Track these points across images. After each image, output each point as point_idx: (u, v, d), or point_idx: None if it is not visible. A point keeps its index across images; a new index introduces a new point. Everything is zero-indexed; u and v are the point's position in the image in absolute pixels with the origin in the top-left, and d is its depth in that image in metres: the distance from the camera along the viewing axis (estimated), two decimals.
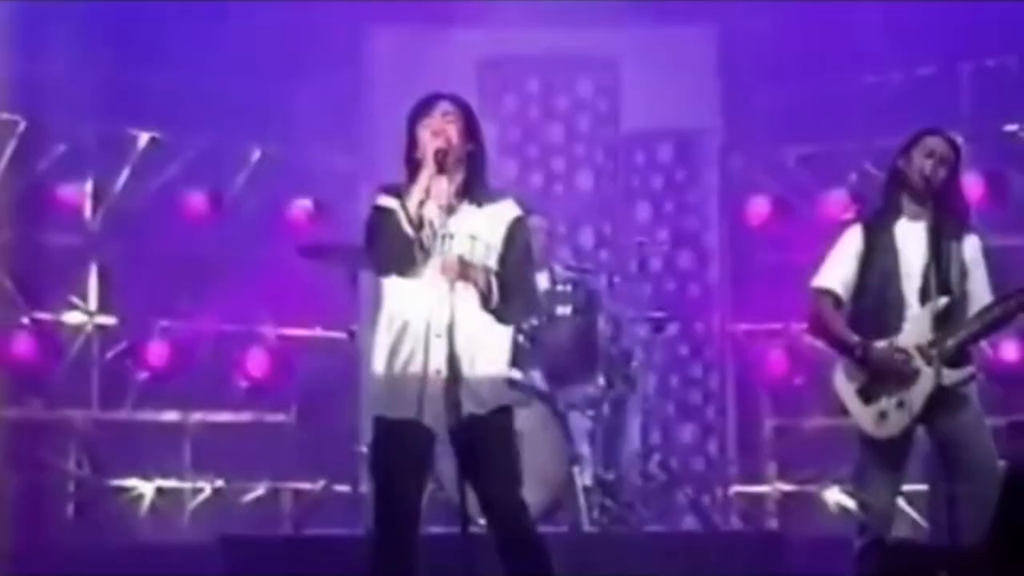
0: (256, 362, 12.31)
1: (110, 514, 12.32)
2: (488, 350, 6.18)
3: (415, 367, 6.08)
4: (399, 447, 6.17)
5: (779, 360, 12.12)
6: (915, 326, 6.85)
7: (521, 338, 8.24)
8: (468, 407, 6.08)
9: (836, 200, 11.86)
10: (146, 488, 12.39)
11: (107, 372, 12.37)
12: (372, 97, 12.52)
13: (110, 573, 10.74)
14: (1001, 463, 7.09)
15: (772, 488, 12.46)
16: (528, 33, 12.25)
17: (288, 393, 12.47)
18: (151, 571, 10.93)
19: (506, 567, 6.16)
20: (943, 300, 6.82)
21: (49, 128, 11.86)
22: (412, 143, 6.09)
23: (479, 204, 6.13)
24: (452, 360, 5.99)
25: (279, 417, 12.53)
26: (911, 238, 6.95)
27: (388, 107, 11.58)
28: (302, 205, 12.28)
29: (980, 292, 6.95)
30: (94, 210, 12.23)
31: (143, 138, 12.09)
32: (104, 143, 12.17)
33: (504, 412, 6.29)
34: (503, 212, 6.21)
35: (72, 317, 12.21)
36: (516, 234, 6.20)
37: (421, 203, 5.92)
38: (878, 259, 6.99)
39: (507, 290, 6.07)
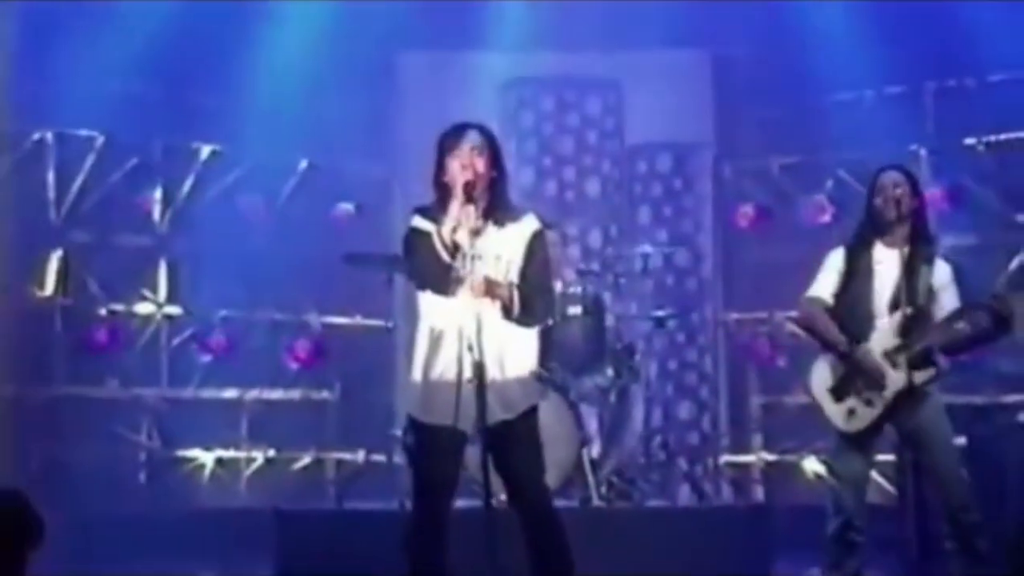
0: (303, 347, 12.93)
1: (176, 482, 12.90)
2: (516, 357, 6.38)
3: (449, 376, 6.24)
4: (435, 449, 6.37)
5: (764, 345, 12.75)
6: (881, 334, 7.06)
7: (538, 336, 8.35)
8: (498, 413, 6.26)
9: (814, 204, 12.40)
10: (207, 458, 12.99)
11: (174, 356, 12.93)
12: (404, 114, 13.08)
13: (176, 536, 11.50)
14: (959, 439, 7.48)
15: (758, 458, 13.05)
16: (543, 58, 12.77)
17: (331, 374, 12.98)
18: (212, 533, 11.59)
19: (528, 541, 6.39)
20: (908, 311, 7.01)
21: (123, 143, 12.39)
22: (441, 168, 6.29)
23: (502, 224, 6.32)
24: (482, 369, 6.13)
25: (324, 395, 13.07)
26: (885, 261, 7.17)
27: (418, 122, 12.47)
28: (343, 208, 12.87)
29: (946, 305, 7.13)
30: (162, 214, 12.77)
31: (205, 150, 12.65)
32: (171, 155, 12.73)
33: (531, 413, 6.47)
34: (523, 229, 6.41)
35: (144, 308, 12.79)
36: (535, 247, 6.39)
37: (454, 229, 6.11)
38: (857, 277, 7.21)
39: (527, 299, 6.28)
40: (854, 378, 7.08)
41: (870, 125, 12.22)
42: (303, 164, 12.99)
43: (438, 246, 6.09)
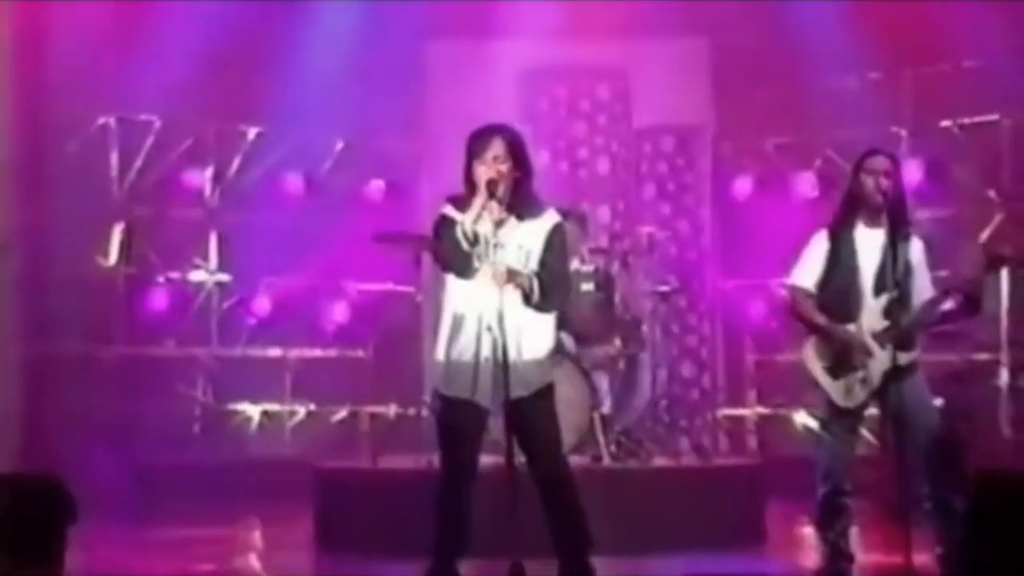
0: (340, 310, 13.49)
1: (227, 433, 13.38)
2: (533, 340, 6.52)
3: (468, 356, 6.45)
4: (458, 421, 6.54)
5: (759, 309, 13.25)
6: (869, 314, 7.07)
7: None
8: (516, 390, 6.37)
9: (805, 180, 12.90)
10: (254, 411, 13.57)
11: (224, 319, 13.49)
12: (432, 99, 13.53)
13: (226, 481, 12.00)
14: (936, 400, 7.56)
15: (752, 412, 13.64)
16: (557, 49, 13.03)
17: (366, 335, 13.51)
18: (258, 480, 12.12)
19: (546, 507, 6.51)
20: (893, 294, 6.96)
21: (178, 126, 12.97)
22: (469, 167, 6.46)
23: (523, 218, 6.49)
24: (502, 350, 6.28)
25: (359, 353, 13.61)
26: (867, 242, 7.13)
27: (445, 107, 13.11)
28: (376, 185, 13.43)
29: (922, 286, 7.10)
30: (213, 190, 13.40)
31: (251, 132, 13.27)
32: (221, 137, 13.34)
33: (547, 389, 6.59)
34: (544, 223, 6.57)
35: (197, 275, 13.40)
36: (553, 240, 6.54)
37: (476, 221, 6.32)
38: (841, 259, 7.16)
39: (546, 286, 6.42)
40: (850, 357, 7.10)
41: (855, 108, 12.47)
42: (339, 145, 13.53)
43: (459, 235, 6.32)
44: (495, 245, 6.30)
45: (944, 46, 12.04)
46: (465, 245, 6.31)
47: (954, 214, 12.23)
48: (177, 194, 13.38)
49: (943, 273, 7.65)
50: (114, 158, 12.89)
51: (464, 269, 6.39)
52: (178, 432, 13.10)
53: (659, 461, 9.71)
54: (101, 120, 12.72)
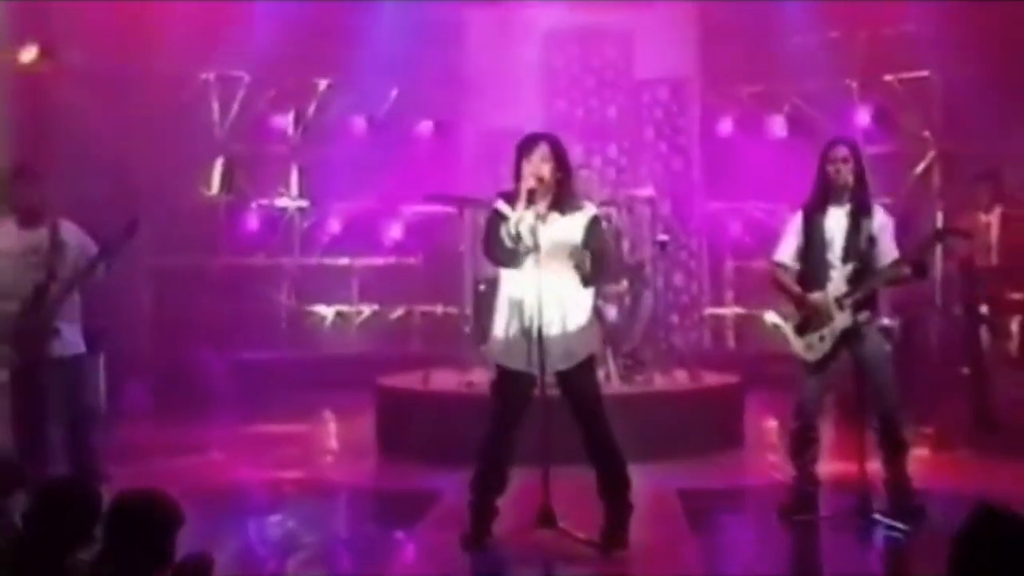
0: (396, 228, 14.48)
1: (306, 330, 14.44)
2: (575, 317, 6.62)
3: (520, 334, 6.55)
4: (510, 387, 6.68)
5: (736, 226, 14.15)
6: (835, 283, 7.21)
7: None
8: (561, 363, 6.57)
9: (776, 122, 13.79)
10: (328, 312, 14.61)
11: (304, 236, 14.52)
12: (470, 54, 14.27)
13: (306, 375, 12.96)
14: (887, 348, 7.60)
15: (731, 311, 14.51)
16: (573, 14, 13.92)
17: (417, 247, 14.43)
18: (332, 373, 12.87)
19: (589, 450, 6.63)
20: (856, 264, 7.16)
21: (264, 79, 13.99)
22: (519, 165, 6.55)
23: (565, 213, 6.60)
24: (537, 331, 6.41)
25: (412, 261, 14.56)
26: (835, 220, 7.27)
27: (480, 61, 14.02)
28: (425, 125, 14.34)
29: (885, 251, 7.23)
30: (294, 131, 14.35)
31: (323, 84, 14.35)
32: (299, 87, 14.37)
33: (589, 360, 6.71)
34: (582, 217, 6.65)
35: (282, 201, 14.51)
36: (592, 230, 6.63)
37: (519, 219, 6.43)
38: (814, 234, 7.29)
39: (593, 263, 6.47)
40: (811, 319, 7.23)
41: (816, 63, 13.16)
42: (394, 92, 14.37)
43: (504, 234, 6.48)
44: (537, 246, 6.43)
45: (890, 13, 12.72)
46: (509, 243, 6.46)
47: (896, 150, 13.16)
48: (265, 135, 14.30)
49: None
50: (215, 107, 13.84)
51: (510, 262, 6.56)
52: (267, 330, 13.96)
53: (658, 381, 10.00)
54: (203, 76, 13.70)
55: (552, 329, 6.49)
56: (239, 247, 14.20)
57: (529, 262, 6.46)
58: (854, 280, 7.17)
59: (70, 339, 7.75)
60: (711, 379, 10.38)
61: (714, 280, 14.58)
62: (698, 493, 8.21)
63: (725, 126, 14.27)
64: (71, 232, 7.79)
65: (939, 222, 12.39)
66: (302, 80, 14.36)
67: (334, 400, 12.07)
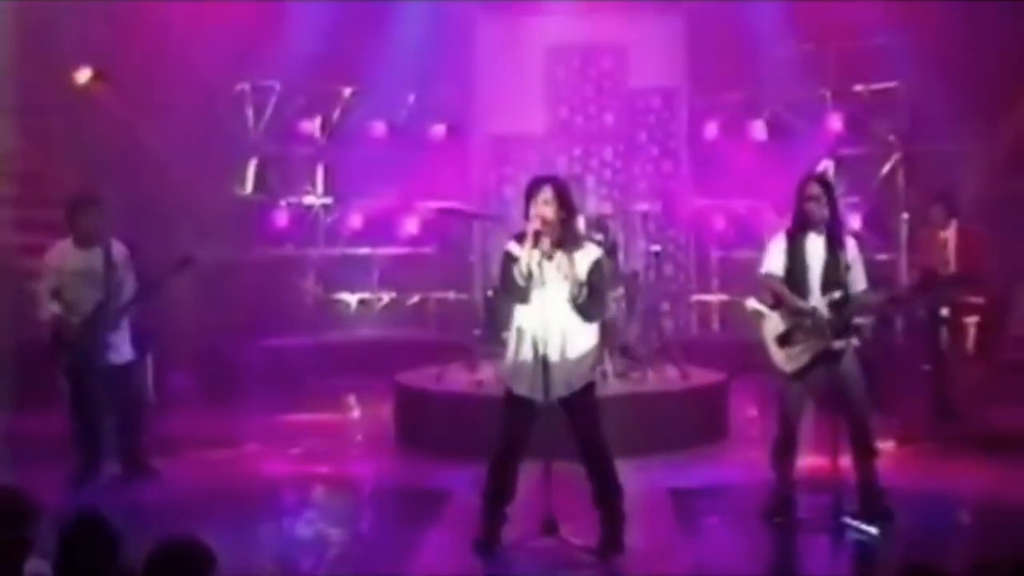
0: (412, 222, 14.85)
1: (331, 316, 14.78)
2: (576, 348, 6.76)
3: (527, 361, 6.72)
4: (513, 412, 6.85)
5: (721, 221, 14.51)
6: (819, 307, 7.36)
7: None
8: (561, 390, 6.71)
9: (757, 127, 14.08)
10: (351, 299, 15.06)
11: (328, 229, 14.92)
12: (480, 65, 14.61)
13: (332, 355, 13.32)
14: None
15: (716, 298, 14.81)
16: (573, 28, 14.25)
17: (431, 240, 14.80)
18: (354, 355, 13.48)
19: (586, 462, 6.81)
20: (836, 295, 7.30)
21: (293, 88, 14.39)
22: (527, 208, 6.74)
23: (569, 252, 6.74)
24: (542, 361, 6.60)
25: (427, 251, 14.88)
26: (814, 247, 7.44)
27: (489, 70, 14.39)
28: (438, 128, 14.71)
29: (857, 278, 7.39)
30: (320, 134, 14.69)
31: (347, 91, 14.80)
32: (326, 94, 14.71)
33: (589, 387, 6.86)
34: (586, 256, 6.79)
35: (308, 199, 14.96)
36: (595, 269, 6.74)
37: (529, 260, 6.61)
38: (795, 258, 7.44)
39: (591, 298, 6.65)
40: (796, 333, 7.35)
41: (793, 73, 13.51)
42: (411, 98, 14.82)
43: (516, 274, 6.71)
44: (543, 281, 6.65)
45: (859, 27, 12.87)
46: (520, 281, 6.69)
47: (865, 153, 13.65)
48: (294, 138, 14.69)
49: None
50: (249, 113, 14.28)
51: (520, 298, 6.78)
52: (295, 316, 14.34)
53: (650, 378, 10.22)
54: (239, 86, 14.22)
55: (554, 358, 6.69)
56: (270, 240, 14.59)
57: (536, 296, 6.69)
58: (835, 309, 7.32)
59: (121, 349, 8.77)
60: (699, 377, 10.64)
61: (700, 270, 14.88)
62: (687, 492, 8.49)
63: (711, 130, 14.56)
64: (121, 254, 8.79)
65: (904, 217, 12.88)
66: (328, 88, 14.71)
67: (358, 385, 12.45)
